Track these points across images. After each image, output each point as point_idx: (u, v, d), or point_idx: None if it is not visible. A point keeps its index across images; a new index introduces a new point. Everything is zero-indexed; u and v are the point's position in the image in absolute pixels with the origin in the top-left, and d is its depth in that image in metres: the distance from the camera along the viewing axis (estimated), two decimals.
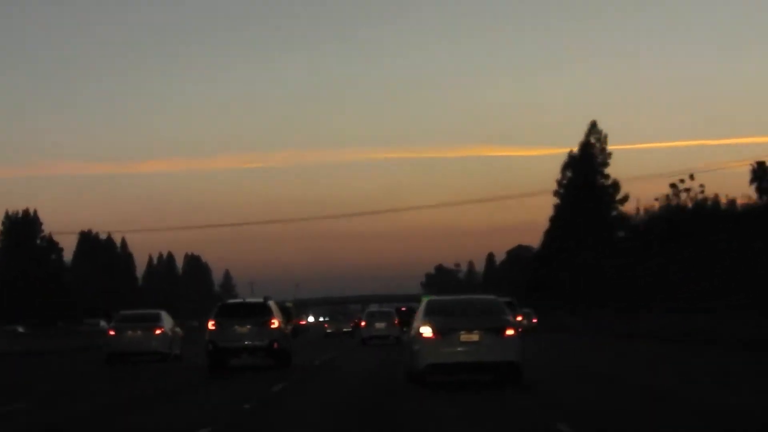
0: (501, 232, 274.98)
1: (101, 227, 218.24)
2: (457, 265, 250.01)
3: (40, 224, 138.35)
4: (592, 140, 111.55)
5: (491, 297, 27.14)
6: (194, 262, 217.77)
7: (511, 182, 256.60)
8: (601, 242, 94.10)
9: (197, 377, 31.94)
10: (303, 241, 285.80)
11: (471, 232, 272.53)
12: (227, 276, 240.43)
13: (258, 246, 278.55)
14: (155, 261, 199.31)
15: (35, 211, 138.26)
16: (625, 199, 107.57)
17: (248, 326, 35.00)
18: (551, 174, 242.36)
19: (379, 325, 62.27)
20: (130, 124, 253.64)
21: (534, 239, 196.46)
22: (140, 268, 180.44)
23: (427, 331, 24.04)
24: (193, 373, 33.88)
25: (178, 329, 46.88)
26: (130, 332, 42.95)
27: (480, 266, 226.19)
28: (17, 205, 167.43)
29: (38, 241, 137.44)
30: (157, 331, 43.09)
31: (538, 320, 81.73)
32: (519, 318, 53.59)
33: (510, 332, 24.01)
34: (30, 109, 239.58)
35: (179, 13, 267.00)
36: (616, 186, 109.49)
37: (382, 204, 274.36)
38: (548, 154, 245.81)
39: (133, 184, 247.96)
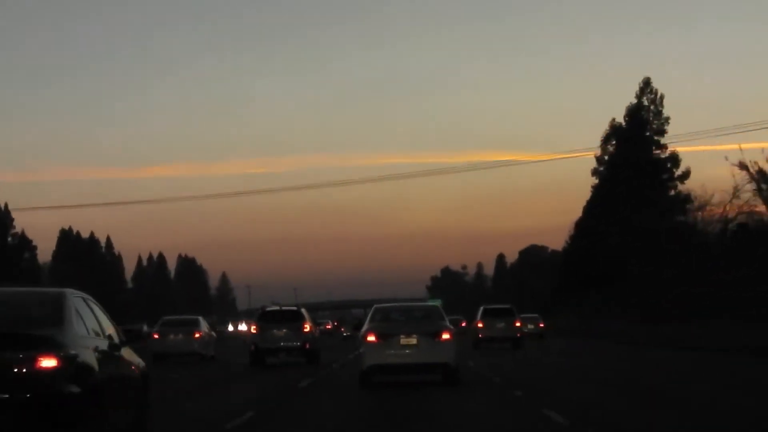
0: (507, 237, 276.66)
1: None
2: (464, 267, 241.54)
3: (12, 220, 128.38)
4: (645, 102, 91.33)
5: (431, 304, 30.09)
6: (188, 264, 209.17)
7: (518, 187, 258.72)
8: (653, 243, 74.53)
9: (238, 372, 36.65)
10: (303, 244, 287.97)
11: (477, 236, 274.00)
12: (224, 279, 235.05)
13: (256, 250, 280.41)
14: (144, 262, 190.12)
15: (5, 205, 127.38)
16: (686, 175, 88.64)
17: (284, 330, 40.47)
18: (557, 179, 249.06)
19: None
20: (132, 129, 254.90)
21: (550, 240, 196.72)
22: (130, 270, 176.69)
23: (370, 336, 26.46)
24: (233, 369, 38.79)
25: (213, 333, 52.23)
26: (172, 336, 47.34)
27: (489, 269, 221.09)
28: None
29: (9, 239, 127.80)
30: (197, 335, 47.31)
31: (546, 325, 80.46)
32: (518, 324, 55.66)
33: (446, 336, 26.19)
34: (24, 113, 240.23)
35: (183, 15, 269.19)
36: (674, 159, 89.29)
37: (386, 208, 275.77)
38: (554, 159, 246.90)
39: (135, 189, 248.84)
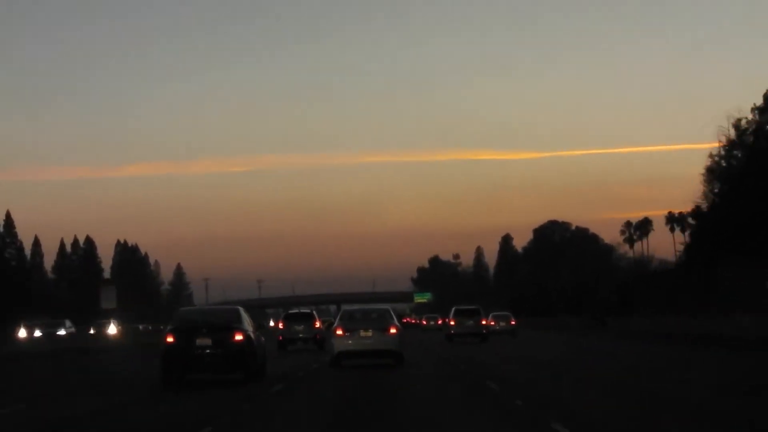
0: (488, 234, 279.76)
1: (80, 232, 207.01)
2: (456, 257, 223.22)
3: None
4: None
5: (385, 307, 38.78)
6: (129, 254, 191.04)
7: (498, 185, 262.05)
8: None
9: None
10: (268, 240, 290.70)
11: (459, 233, 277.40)
12: (179, 272, 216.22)
13: (219, 245, 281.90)
14: (68, 249, 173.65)
15: None
16: None
17: (302, 326, 55.54)
18: (535, 177, 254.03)
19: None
20: (111, 128, 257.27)
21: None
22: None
23: (339, 330, 36.05)
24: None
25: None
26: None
27: (491, 257, 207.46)
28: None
29: None
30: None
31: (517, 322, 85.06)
32: (484, 322, 66.65)
33: (393, 331, 35.62)
34: (8, 113, 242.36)
35: (164, 14, 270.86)
36: None
37: (364, 207, 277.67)
38: (534, 158, 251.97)
39: (113, 188, 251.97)
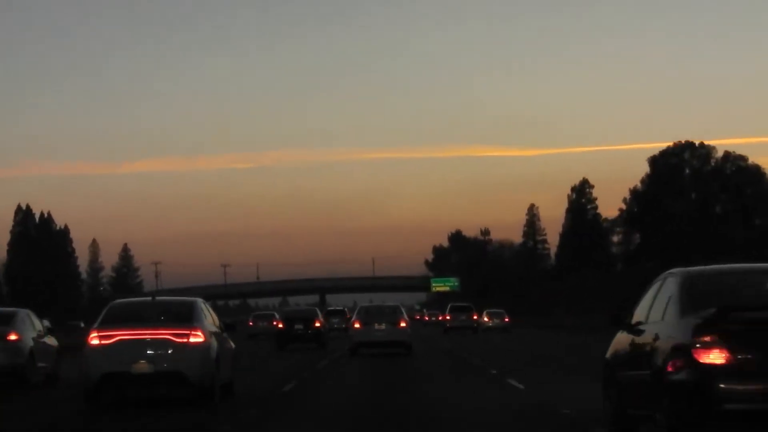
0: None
1: (88, 227, 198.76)
2: (486, 232, 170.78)
3: None
4: None
5: (396, 305, 46.03)
6: (44, 226, 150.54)
7: (502, 181, 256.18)
8: None
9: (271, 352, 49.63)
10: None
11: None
12: (125, 255, 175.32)
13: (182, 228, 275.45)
14: None
15: None
16: None
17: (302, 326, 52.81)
18: (541, 173, 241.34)
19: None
20: (116, 123, 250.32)
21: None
22: None
23: (356, 324, 42.37)
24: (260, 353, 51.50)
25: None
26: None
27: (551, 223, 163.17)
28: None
29: None
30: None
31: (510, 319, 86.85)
32: (474, 317, 77.86)
33: (402, 324, 41.63)
34: (15, 108, 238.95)
35: (166, 11, 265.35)
36: None
37: (367, 203, 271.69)
38: (539, 155, 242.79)
39: (120, 183, 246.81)
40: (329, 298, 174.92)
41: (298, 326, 51.32)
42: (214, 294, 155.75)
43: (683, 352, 12.18)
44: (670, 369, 12.35)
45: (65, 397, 23.84)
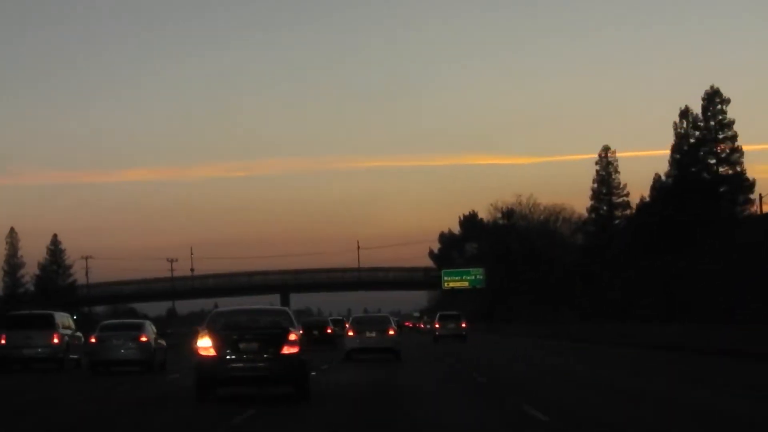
0: None
1: (74, 236, 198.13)
2: (505, 211, 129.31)
3: None
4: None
5: (385, 315, 51.76)
6: None
7: (499, 190, 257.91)
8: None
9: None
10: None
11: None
12: (55, 248, 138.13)
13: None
14: None
15: None
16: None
17: (317, 332, 62.45)
18: (537, 182, 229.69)
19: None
20: (109, 132, 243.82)
21: None
22: None
23: (350, 332, 46.26)
24: None
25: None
26: None
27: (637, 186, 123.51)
28: None
29: None
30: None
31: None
32: (463, 325, 79.63)
33: (391, 332, 45.38)
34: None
35: (161, 19, 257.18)
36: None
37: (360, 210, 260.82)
38: (534, 163, 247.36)
39: (111, 193, 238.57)
40: (306, 298, 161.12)
41: (315, 332, 60.62)
42: (159, 291, 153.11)
43: None
44: None
45: (176, 378, 34.59)
